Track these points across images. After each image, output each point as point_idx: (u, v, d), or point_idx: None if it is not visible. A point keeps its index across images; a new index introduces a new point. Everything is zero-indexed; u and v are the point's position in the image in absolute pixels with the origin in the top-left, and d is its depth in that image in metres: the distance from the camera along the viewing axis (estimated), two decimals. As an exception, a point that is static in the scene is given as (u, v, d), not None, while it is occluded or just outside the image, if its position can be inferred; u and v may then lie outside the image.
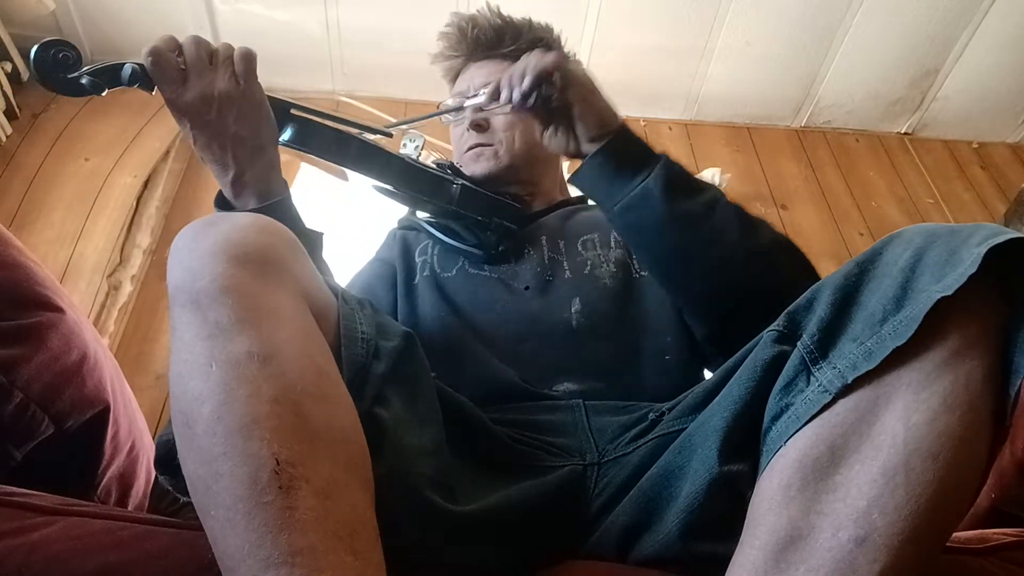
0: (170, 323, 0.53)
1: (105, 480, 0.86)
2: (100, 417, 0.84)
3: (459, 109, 0.99)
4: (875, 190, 2.24)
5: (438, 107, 1.04)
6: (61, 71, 0.72)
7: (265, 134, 0.79)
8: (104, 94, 0.74)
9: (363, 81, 2.17)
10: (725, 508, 0.55)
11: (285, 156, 0.88)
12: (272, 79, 2.34)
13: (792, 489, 0.49)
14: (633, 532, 0.62)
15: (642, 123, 2.32)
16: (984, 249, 0.48)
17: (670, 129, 2.33)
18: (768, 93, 2.32)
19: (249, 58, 0.77)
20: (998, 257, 0.49)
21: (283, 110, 0.84)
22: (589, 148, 0.83)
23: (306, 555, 0.43)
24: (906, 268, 0.52)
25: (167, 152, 1.86)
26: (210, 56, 0.75)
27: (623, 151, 0.82)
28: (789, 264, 0.80)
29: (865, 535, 0.46)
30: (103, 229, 1.67)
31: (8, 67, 1.85)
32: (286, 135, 0.85)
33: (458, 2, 1.98)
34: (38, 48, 0.71)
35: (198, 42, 0.74)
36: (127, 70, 0.73)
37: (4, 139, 1.77)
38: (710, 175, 2.03)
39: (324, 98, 2.16)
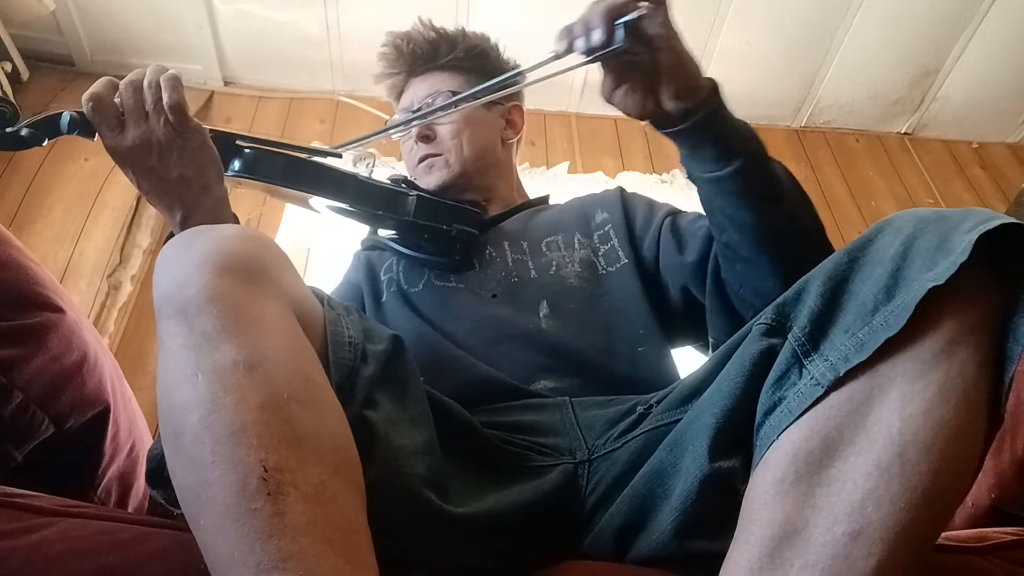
0: (157, 335, 0.53)
1: (105, 481, 0.86)
2: (100, 417, 0.84)
3: (406, 123, 1.00)
4: (875, 190, 2.24)
5: (385, 124, 1.04)
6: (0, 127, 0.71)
7: (209, 173, 0.77)
8: (44, 144, 0.73)
9: (363, 81, 2.16)
10: (719, 505, 0.55)
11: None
12: (272, 79, 2.35)
13: (786, 483, 0.49)
14: (628, 532, 0.62)
15: (643, 124, 2.32)
16: (975, 236, 0.47)
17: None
18: (768, 93, 2.32)
19: (178, 106, 0.73)
20: (990, 242, 0.48)
21: (228, 143, 0.84)
22: (672, 107, 0.72)
23: (297, 560, 0.43)
24: (896, 256, 0.51)
25: (167, 152, 1.86)
26: (144, 102, 0.73)
27: (711, 126, 0.73)
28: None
29: (860, 529, 0.45)
30: (103, 229, 1.67)
31: (8, 67, 1.85)
32: (235, 166, 0.85)
33: (458, 3, 1.98)
34: None
35: (133, 87, 0.72)
36: (65, 118, 0.73)
37: (4, 139, 1.77)
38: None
39: (324, 98, 2.16)
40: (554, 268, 0.92)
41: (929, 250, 0.50)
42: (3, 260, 0.79)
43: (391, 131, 1.02)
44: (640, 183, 2.09)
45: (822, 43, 2.20)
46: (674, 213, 0.95)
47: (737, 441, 0.56)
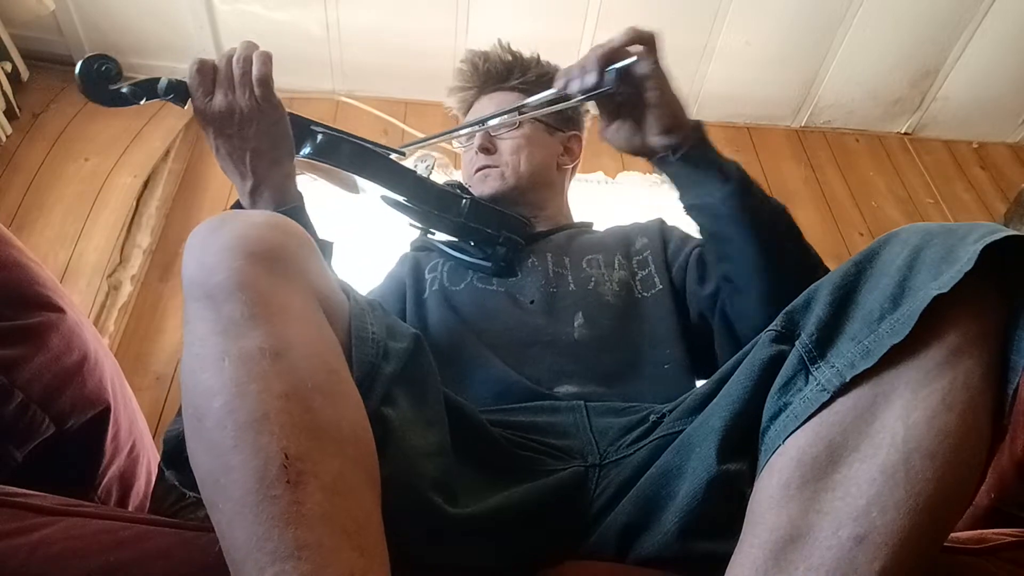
0: (183, 316, 0.54)
1: (106, 480, 0.86)
2: (100, 417, 0.84)
3: (472, 129, 1.05)
4: (875, 190, 2.24)
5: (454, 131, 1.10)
6: (104, 82, 0.78)
7: (282, 148, 0.83)
8: (142, 103, 0.79)
9: (363, 81, 2.17)
10: (724, 507, 0.56)
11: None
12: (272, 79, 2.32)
13: (791, 488, 0.49)
14: (632, 531, 0.62)
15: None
16: (980, 247, 0.48)
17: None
18: (768, 93, 2.32)
19: (265, 81, 0.80)
20: (996, 255, 0.49)
21: (304, 127, 0.90)
22: (659, 143, 0.79)
23: (313, 550, 0.44)
24: (903, 267, 0.52)
25: (167, 152, 1.86)
26: (235, 74, 0.79)
27: (699, 158, 0.80)
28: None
29: (865, 533, 0.46)
30: (103, 229, 1.67)
31: (8, 67, 1.85)
32: (306, 149, 0.90)
33: (458, 3, 1.98)
34: (83, 62, 0.77)
35: (228, 59, 0.79)
36: (163, 83, 0.80)
37: (4, 139, 1.76)
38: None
39: (324, 98, 2.16)
40: (592, 284, 0.95)
41: (935, 261, 0.51)
42: (3, 260, 0.79)
43: (452, 135, 1.09)
44: (639, 184, 2.10)
45: (822, 43, 2.20)
46: (703, 245, 0.97)
47: (744, 444, 0.57)
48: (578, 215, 1.19)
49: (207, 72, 0.79)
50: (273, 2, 1.99)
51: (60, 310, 0.82)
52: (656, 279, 0.96)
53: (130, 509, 0.91)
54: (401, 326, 0.70)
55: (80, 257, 1.62)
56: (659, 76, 0.77)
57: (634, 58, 0.76)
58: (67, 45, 1.99)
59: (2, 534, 0.53)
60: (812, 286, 0.58)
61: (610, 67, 0.77)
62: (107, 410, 0.85)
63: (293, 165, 0.85)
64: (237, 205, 0.85)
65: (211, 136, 0.81)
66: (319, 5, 2.00)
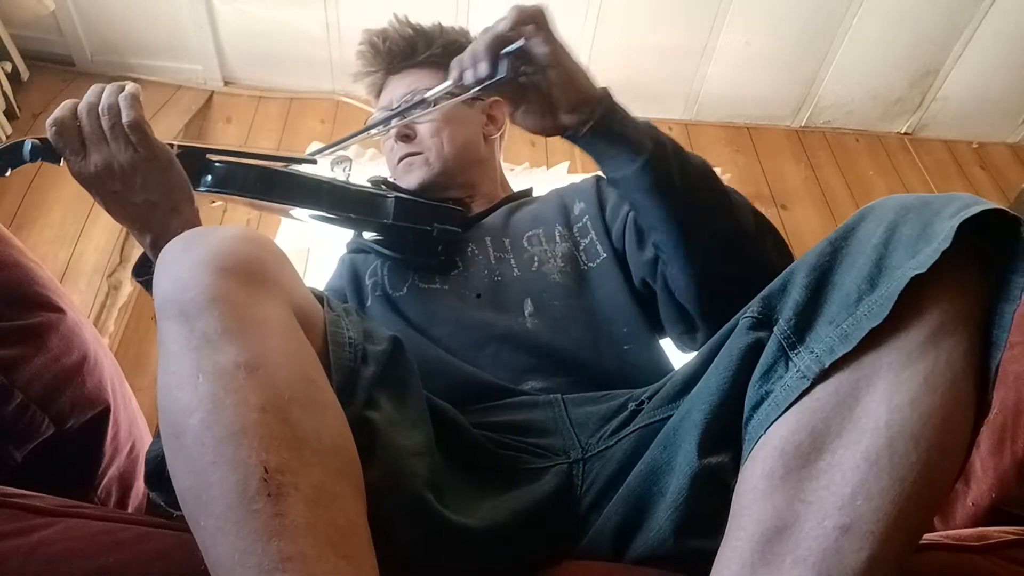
0: (158, 336, 0.53)
1: (105, 481, 0.86)
2: (100, 418, 0.84)
3: (387, 120, 0.99)
4: (875, 190, 2.24)
5: (365, 123, 1.04)
6: None
7: (177, 195, 0.76)
8: (7, 175, 0.74)
9: (363, 81, 2.17)
10: (712, 501, 0.55)
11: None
12: (272, 79, 2.35)
13: (775, 478, 0.49)
14: (626, 531, 0.62)
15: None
16: (957, 222, 0.47)
17: (670, 129, 2.33)
18: (768, 93, 2.32)
19: (138, 126, 0.72)
20: (974, 227, 0.48)
21: (199, 157, 0.84)
22: (569, 120, 0.75)
23: (297, 561, 0.43)
24: (879, 245, 0.51)
25: (167, 152, 1.86)
26: (102, 126, 0.72)
27: (608, 131, 0.75)
28: (772, 245, 0.79)
29: (850, 522, 0.45)
30: (103, 229, 1.67)
31: (8, 67, 1.85)
32: (207, 181, 0.84)
33: (458, 3, 1.98)
34: None
35: (89, 110, 0.72)
36: (27, 146, 0.72)
37: (4, 139, 1.77)
38: (710, 175, 2.03)
39: (324, 98, 2.16)
40: (536, 264, 0.92)
41: (911, 238, 0.50)
42: (3, 260, 0.79)
43: (363, 135, 1.00)
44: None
45: (822, 43, 2.20)
46: None
47: (727, 436, 0.56)
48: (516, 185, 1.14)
49: (68, 129, 0.72)
50: (273, 2, 1.99)
51: (60, 310, 0.82)
52: (599, 247, 0.92)
53: (130, 510, 0.91)
54: (378, 329, 0.69)
55: (80, 257, 1.62)
56: (556, 53, 0.72)
57: (522, 41, 0.71)
58: (67, 45, 1.99)
59: (1, 535, 0.53)
60: (789, 267, 0.57)
61: (503, 52, 0.72)
62: (107, 410, 0.85)
63: (194, 208, 0.78)
64: (143, 259, 0.80)
65: (96, 197, 0.75)
66: (319, 5, 2.00)
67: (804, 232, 2.05)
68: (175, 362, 0.51)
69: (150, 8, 1.95)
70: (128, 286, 1.63)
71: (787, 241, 0.82)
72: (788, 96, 2.33)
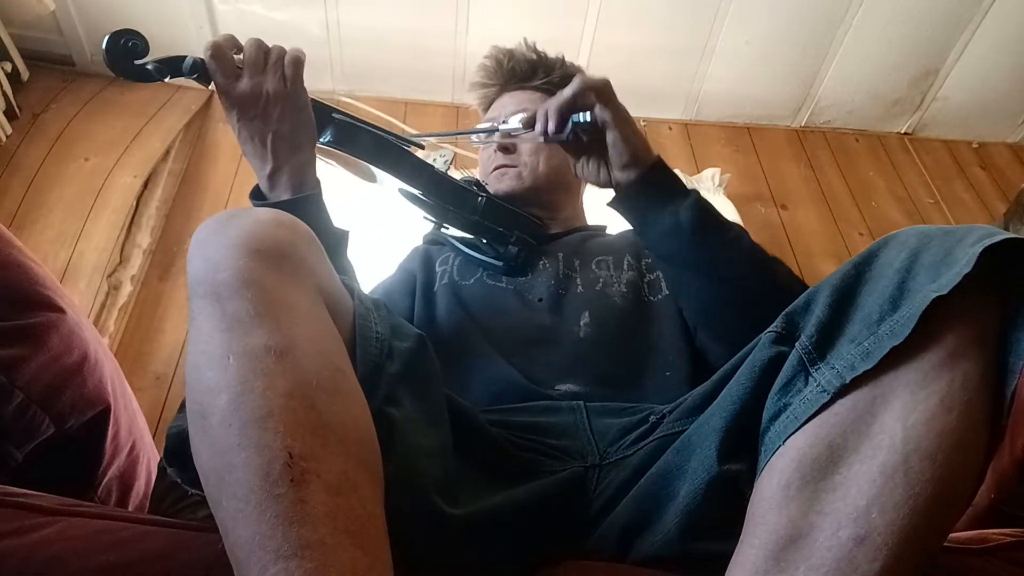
0: (189, 313, 0.54)
1: (105, 480, 0.86)
2: (100, 417, 0.84)
3: (491, 131, 1.06)
4: (875, 190, 2.24)
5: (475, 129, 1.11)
6: (129, 58, 0.79)
7: (304, 134, 0.84)
8: (166, 80, 0.80)
9: (363, 81, 2.17)
10: (724, 507, 0.56)
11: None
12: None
13: (791, 488, 0.49)
14: (632, 532, 0.62)
15: (642, 123, 2.32)
16: (979, 249, 0.48)
17: (670, 129, 2.33)
18: (768, 93, 2.32)
19: (298, 63, 0.82)
20: (993, 258, 0.49)
21: (326, 114, 0.91)
22: (621, 177, 0.86)
23: (316, 549, 0.44)
24: (902, 269, 0.53)
25: (167, 152, 1.86)
26: (266, 57, 0.81)
27: (658, 186, 0.85)
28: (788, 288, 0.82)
29: (865, 534, 0.46)
30: (103, 229, 1.67)
31: (8, 67, 1.85)
32: (327, 136, 0.90)
33: (458, 3, 1.98)
34: (110, 36, 0.79)
35: (258, 44, 0.81)
36: (188, 61, 0.80)
37: (4, 139, 1.76)
38: (710, 175, 2.03)
39: (324, 98, 2.15)
40: (600, 285, 0.95)
41: (933, 263, 0.51)
42: (3, 260, 0.79)
43: (473, 134, 1.09)
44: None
45: (822, 43, 2.20)
46: None
47: (745, 445, 0.57)
48: (592, 220, 1.19)
49: (226, 56, 0.79)
50: (273, 2, 1.99)
51: (60, 310, 0.82)
52: (663, 284, 0.96)
53: (130, 509, 0.91)
54: (405, 326, 0.70)
55: (80, 257, 1.62)
56: (617, 120, 0.83)
57: (588, 115, 0.83)
58: (67, 45, 1.99)
59: (2, 534, 0.53)
60: (812, 288, 0.58)
61: (572, 119, 0.84)
62: (107, 410, 0.85)
63: (313, 152, 0.86)
64: (256, 189, 0.86)
65: (234, 117, 0.82)
66: (319, 5, 2.00)
67: (804, 232, 2.05)
68: (206, 342, 0.51)
69: (150, 8, 1.95)
70: (128, 286, 1.63)
71: (788, 241, 0.85)
72: (788, 96, 2.33)
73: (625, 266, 0.98)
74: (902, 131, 2.44)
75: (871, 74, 2.28)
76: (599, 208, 1.21)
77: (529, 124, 0.90)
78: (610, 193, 0.90)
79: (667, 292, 0.95)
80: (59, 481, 0.74)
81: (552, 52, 1.18)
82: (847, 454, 0.49)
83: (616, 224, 1.16)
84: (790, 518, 0.48)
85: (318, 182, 0.86)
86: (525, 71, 1.16)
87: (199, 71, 0.80)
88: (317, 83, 2.15)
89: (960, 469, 0.48)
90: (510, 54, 1.16)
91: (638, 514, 0.62)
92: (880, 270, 0.55)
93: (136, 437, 0.93)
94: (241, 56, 0.81)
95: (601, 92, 0.83)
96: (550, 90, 1.12)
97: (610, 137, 0.83)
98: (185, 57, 0.80)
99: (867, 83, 2.30)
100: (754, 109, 2.36)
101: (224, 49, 0.79)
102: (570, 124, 0.84)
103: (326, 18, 2.02)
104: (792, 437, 0.52)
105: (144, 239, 1.72)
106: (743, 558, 0.50)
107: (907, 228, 0.58)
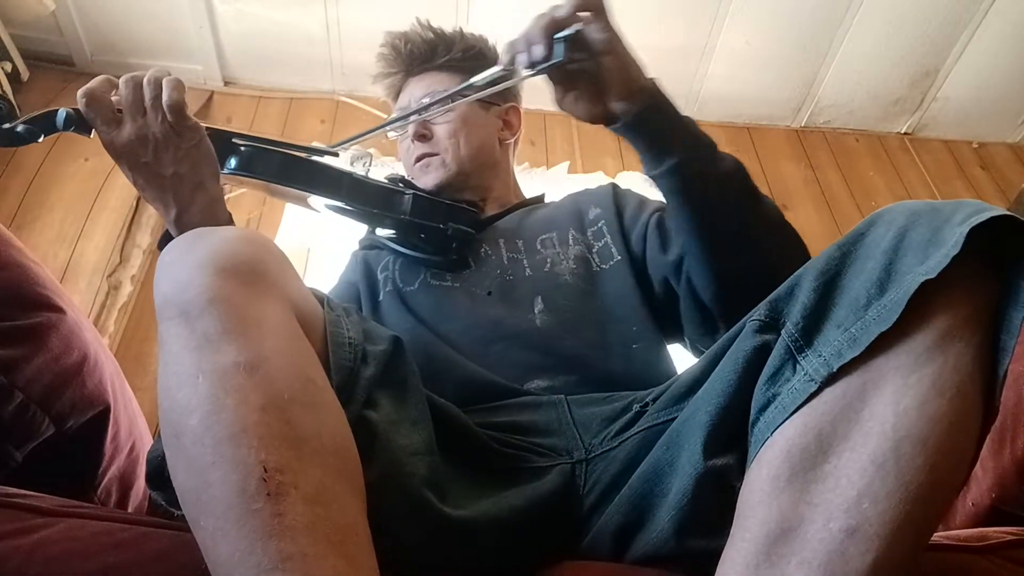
0: (159, 338, 0.53)
1: (105, 481, 0.86)
2: (100, 418, 0.84)
3: (403, 119, 1.01)
4: (875, 190, 2.24)
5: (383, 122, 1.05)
6: None
7: (205, 169, 0.76)
8: (41, 140, 0.74)
9: (363, 81, 2.16)
10: (716, 502, 0.55)
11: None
12: (272, 79, 2.35)
13: (781, 480, 0.48)
14: (627, 531, 0.62)
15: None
16: (966, 228, 0.47)
17: (670, 129, 2.32)
18: (768, 93, 2.31)
19: (178, 92, 0.73)
20: (983, 233, 0.48)
21: (225, 141, 0.85)
22: (618, 108, 0.75)
23: (297, 560, 0.43)
24: (889, 250, 0.51)
25: (167, 152, 1.86)
26: (143, 95, 0.73)
27: (647, 126, 0.75)
28: (790, 244, 0.81)
29: (856, 525, 0.45)
30: (103, 229, 1.67)
31: (8, 67, 1.85)
32: (232, 164, 0.86)
33: (457, 3, 1.98)
34: None
35: (132, 82, 0.73)
36: (61, 115, 0.73)
37: (4, 139, 1.77)
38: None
39: (324, 98, 2.16)
40: (548, 265, 0.93)
41: (921, 243, 0.50)
42: (3, 260, 0.79)
43: (386, 128, 1.03)
44: (640, 183, 2.09)
45: (822, 43, 2.19)
46: (662, 210, 0.95)
47: (732, 438, 0.56)
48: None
49: (103, 102, 0.72)
50: (273, 2, 1.99)
51: (60, 310, 0.82)
52: (613, 250, 0.93)
53: (129, 510, 0.91)
54: (379, 329, 0.69)
55: (80, 257, 1.62)
56: (613, 40, 0.72)
57: (579, 25, 0.71)
58: (67, 45, 1.99)
59: (2, 534, 0.53)
60: (797, 272, 0.57)
61: (557, 36, 0.71)
62: (107, 410, 0.85)
63: (219, 186, 0.79)
64: (166, 235, 0.79)
65: (125, 168, 0.75)
66: (319, 5, 2.00)
67: (804, 232, 2.02)
68: (175, 362, 0.51)
69: (150, 8, 1.95)
70: (128, 286, 1.63)
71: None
72: (788, 96, 2.33)
73: (571, 240, 0.95)
74: (902, 131, 2.43)
75: (871, 74, 2.27)
76: (535, 181, 1.15)
77: (509, 62, 0.76)
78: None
79: (619, 257, 0.92)
80: (59, 482, 0.74)
81: (449, 27, 1.12)
82: (837, 443, 0.48)
83: (540, 186, 1.12)
84: (780, 511, 0.47)
85: (230, 216, 0.81)
86: (425, 52, 1.10)
87: (76, 123, 0.73)
88: (317, 83, 2.15)
89: (953, 454, 0.47)
90: (405, 37, 1.11)
91: (632, 513, 0.61)
92: (866, 251, 0.53)
93: (136, 437, 0.93)
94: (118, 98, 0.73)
95: (597, 8, 0.71)
96: (456, 67, 1.08)
97: (607, 62, 0.72)
98: (57, 111, 0.73)
99: (867, 83, 2.30)
100: (754, 109, 2.36)
101: (99, 94, 0.72)
102: (563, 46, 0.71)
103: (326, 18, 2.02)
104: (781, 428, 0.50)
105: (144, 239, 1.72)
106: (734, 552, 0.49)
107: (894, 204, 0.55)
